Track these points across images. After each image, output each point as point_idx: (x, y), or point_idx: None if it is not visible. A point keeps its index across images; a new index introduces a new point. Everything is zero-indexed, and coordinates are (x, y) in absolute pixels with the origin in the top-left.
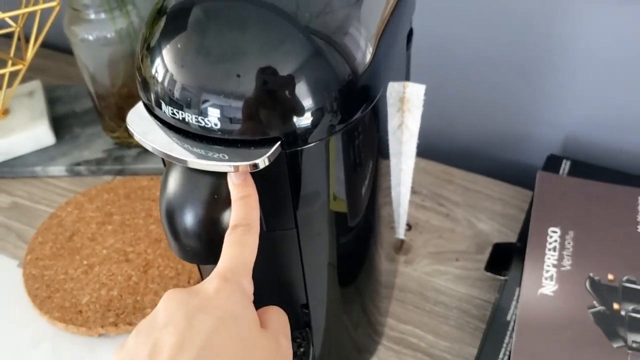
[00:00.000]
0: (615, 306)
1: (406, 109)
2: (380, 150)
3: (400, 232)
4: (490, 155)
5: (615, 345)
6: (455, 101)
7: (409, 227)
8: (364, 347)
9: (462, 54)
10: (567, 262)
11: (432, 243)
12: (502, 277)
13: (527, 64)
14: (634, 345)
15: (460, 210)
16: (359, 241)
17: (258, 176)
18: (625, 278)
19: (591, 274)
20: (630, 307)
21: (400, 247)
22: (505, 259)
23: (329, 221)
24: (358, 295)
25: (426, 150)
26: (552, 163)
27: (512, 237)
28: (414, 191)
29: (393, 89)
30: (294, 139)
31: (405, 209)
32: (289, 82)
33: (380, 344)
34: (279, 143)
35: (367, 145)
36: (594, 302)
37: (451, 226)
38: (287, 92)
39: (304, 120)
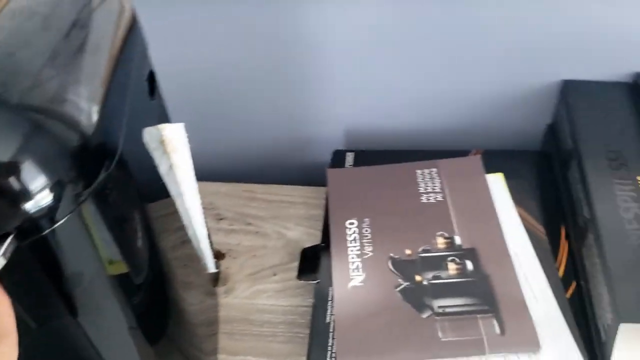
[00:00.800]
0: (417, 278)
1: (171, 150)
2: (150, 197)
3: (210, 266)
4: (286, 163)
5: (424, 315)
6: (238, 121)
7: (221, 255)
8: None
9: (230, 78)
10: (368, 250)
11: (248, 264)
12: (314, 281)
13: (293, 71)
14: (440, 310)
15: (268, 224)
16: (156, 294)
17: (8, 275)
18: (420, 249)
19: (391, 254)
20: (430, 274)
21: (216, 279)
22: (315, 262)
23: (111, 288)
24: (172, 347)
25: (225, 174)
26: (337, 158)
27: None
28: (220, 217)
29: (149, 134)
30: (35, 225)
31: (206, 243)
32: (3, 170)
33: None
34: (9, 239)
35: (128, 199)
36: (399, 280)
37: (262, 242)
38: (4, 182)
39: (36, 204)
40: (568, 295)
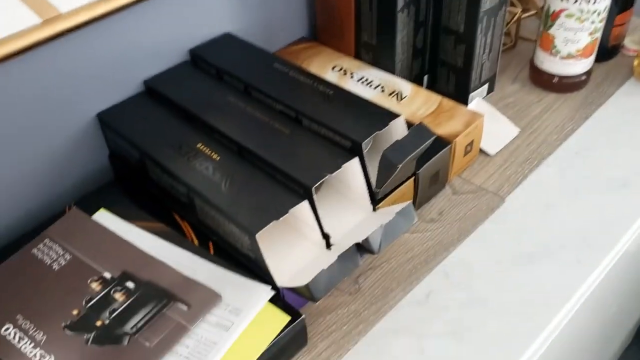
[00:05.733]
0: (99, 323)
1: None
2: None
3: None
4: None
5: (125, 343)
6: None
7: None
8: None
9: None
10: (40, 336)
11: None
12: None
13: None
14: (133, 330)
15: None
16: None
17: None
18: (84, 302)
19: (63, 324)
20: (106, 314)
21: None
22: None
23: None
24: None
25: None
26: None
27: None
28: None
29: None
30: None
31: None
32: None
33: None
34: None
35: None
36: (85, 336)
37: None
38: None
39: None
40: (212, 252)
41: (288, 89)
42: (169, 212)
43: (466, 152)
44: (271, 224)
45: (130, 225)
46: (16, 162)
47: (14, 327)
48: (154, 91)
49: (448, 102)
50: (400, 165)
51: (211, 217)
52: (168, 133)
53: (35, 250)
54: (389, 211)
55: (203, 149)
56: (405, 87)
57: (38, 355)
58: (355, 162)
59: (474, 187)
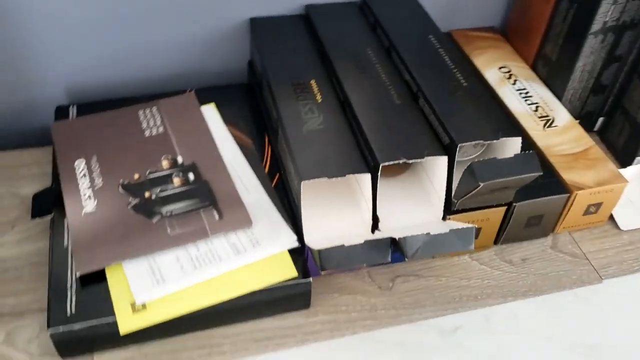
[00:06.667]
0: (147, 195)
1: None
2: None
3: None
4: (9, 128)
5: (154, 220)
6: None
7: None
8: None
9: None
10: (98, 181)
11: None
12: (48, 215)
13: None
14: (167, 214)
15: None
16: None
17: None
18: (147, 172)
19: (121, 180)
20: (158, 190)
21: None
22: (48, 202)
23: None
24: None
25: None
26: (61, 113)
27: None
28: None
29: None
30: None
31: None
32: None
33: None
34: None
35: None
36: (130, 200)
37: None
38: None
39: None
40: (273, 184)
41: (426, 63)
42: (263, 133)
43: (587, 212)
44: (322, 179)
45: (225, 129)
46: (174, 35)
47: (85, 164)
48: (309, 18)
49: (597, 152)
50: (483, 184)
51: (283, 150)
52: (295, 60)
53: (140, 112)
54: (452, 225)
55: (312, 87)
56: (563, 117)
57: (87, 195)
58: (441, 160)
59: (577, 252)
